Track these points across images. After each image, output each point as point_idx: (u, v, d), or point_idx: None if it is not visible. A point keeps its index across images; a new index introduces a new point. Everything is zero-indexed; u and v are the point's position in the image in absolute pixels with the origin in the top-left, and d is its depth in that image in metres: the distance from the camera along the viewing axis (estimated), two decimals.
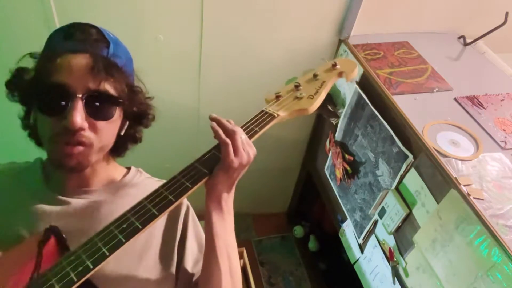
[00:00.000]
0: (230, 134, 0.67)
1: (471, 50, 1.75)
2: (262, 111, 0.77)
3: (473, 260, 1.04)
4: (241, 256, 2.04)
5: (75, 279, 0.53)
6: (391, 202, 1.35)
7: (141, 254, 0.74)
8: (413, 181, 1.26)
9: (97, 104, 0.66)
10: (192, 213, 0.84)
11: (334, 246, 2.24)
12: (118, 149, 0.79)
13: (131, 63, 0.76)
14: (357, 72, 0.88)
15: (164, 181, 0.83)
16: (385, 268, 1.43)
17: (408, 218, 1.28)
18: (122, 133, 0.76)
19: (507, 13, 1.55)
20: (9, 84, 0.71)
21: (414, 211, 1.26)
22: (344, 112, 1.64)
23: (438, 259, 1.16)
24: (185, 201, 0.81)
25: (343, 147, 1.67)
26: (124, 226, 0.58)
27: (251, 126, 0.73)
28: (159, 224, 0.78)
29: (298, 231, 2.51)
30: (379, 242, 1.47)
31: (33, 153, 0.79)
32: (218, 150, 0.69)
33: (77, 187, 0.75)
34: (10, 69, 0.70)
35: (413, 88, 1.45)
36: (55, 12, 1.34)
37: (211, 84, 1.73)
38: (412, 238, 1.26)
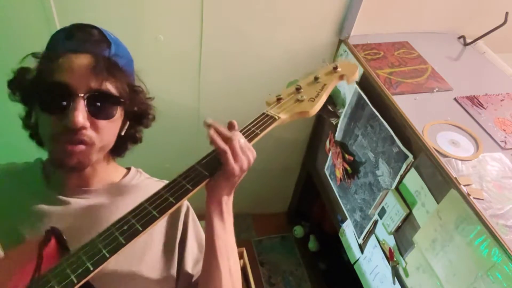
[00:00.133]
0: (227, 140, 0.66)
1: (471, 50, 1.75)
2: (263, 113, 0.77)
3: (473, 260, 1.04)
4: (241, 256, 2.04)
5: (76, 281, 0.53)
6: (391, 202, 1.35)
7: (141, 255, 0.74)
8: (413, 181, 1.26)
9: (99, 103, 0.66)
10: (192, 214, 0.84)
11: (334, 246, 2.25)
12: (118, 149, 0.80)
13: (132, 64, 0.77)
14: (358, 75, 0.89)
15: (164, 181, 0.84)
16: (385, 268, 1.43)
17: (408, 218, 1.28)
18: (123, 133, 0.76)
19: (507, 13, 1.55)
20: (11, 84, 0.71)
21: (414, 211, 1.26)
22: (344, 112, 1.64)
23: (438, 259, 1.16)
24: (185, 202, 0.82)
25: (343, 147, 1.67)
26: (125, 228, 0.58)
27: (252, 129, 0.73)
28: (159, 225, 0.78)
29: (298, 231, 2.51)
30: (379, 242, 1.47)
31: (33, 153, 0.80)
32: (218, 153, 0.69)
33: (77, 187, 0.75)
34: (12, 69, 0.71)
35: (413, 88, 1.45)
36: (55, 12, 1.34)
37: (211, 84, 1.73)
38: (412, 238, 1.26)
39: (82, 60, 0.65)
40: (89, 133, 0.66)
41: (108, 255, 0.55)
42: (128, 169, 0.86)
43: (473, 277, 1.03)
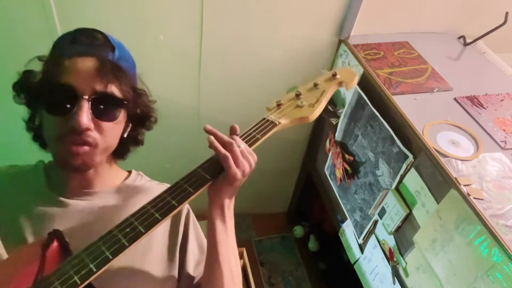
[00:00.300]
0: (228, 146, 0.68)
1: (471, 50, 1.75)
2: (264, 118, 0.79)
3: (473, 260, 1.04)
4: (241, 256, 2.04)
5: (79, 282, 0.53)
6: (391, 202, 1.35)
7: (142, 257, 0.75)
8: (413, 181, 1.26)
9: (103, 105, 0.68)
10: (192, 216, 0.85)
11: (334, 246, 2.25)
12: (120, 151, 0.81)
13: (134, 67, 0.78)
14: (356, 81, 0.91)
15: (165, 184, 0.85)
16: (385, 268, 1.43)
17: (408, 218, 1.29)
18: (125, 135, 0.78)
19: (507, 13, 1.55)
20: (16, 86, 0.72)
21: (414, 211, 1.26)
22: (344, 112, 1.64)
23: (438, 259, 1.16)
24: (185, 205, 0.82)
25: (343, 147, 1.67)
26: (128, 230, 0.59)
27: (253, 133, 0.75)
28: (160, 227, 0.78)
29: (298, 231, 2.51)
30: (379, 242, 1.47)
31: (35, 156, 0.80)
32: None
33: (79, 189, 0.76)
34: (18, 71, 0.72)
35: (413, 88, 1.45)
36: (55, 12, 1.34)
37: (211, 84, 1.73)
38: (412, 238, 1.26)
39: (88, 63, 0.67)
40: (93, 134, 0.67)
41: (111, 257, 0.56)
42: (129, 172, 0.87)
43: (473, 277, 1.03)
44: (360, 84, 1.52)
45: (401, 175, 1.31)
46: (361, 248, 1.61)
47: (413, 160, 1.25)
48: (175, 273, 0.79)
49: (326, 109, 1.71)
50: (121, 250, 0.57)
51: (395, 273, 1.37)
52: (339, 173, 1.73)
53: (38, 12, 1.33)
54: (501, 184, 1.13)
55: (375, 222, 1.48)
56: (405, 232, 1.31)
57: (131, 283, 0.72)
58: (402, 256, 1.33)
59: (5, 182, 0.76)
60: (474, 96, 1.45)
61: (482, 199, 1.07)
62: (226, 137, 0.69)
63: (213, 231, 0.72)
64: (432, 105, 1.39)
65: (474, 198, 1.06)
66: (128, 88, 0.72)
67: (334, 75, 0.89)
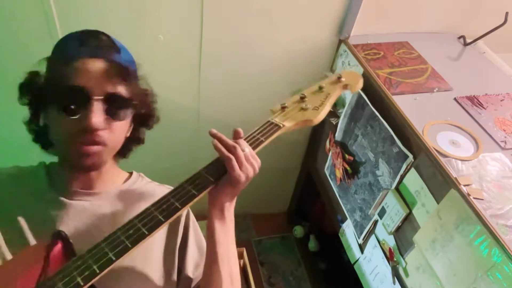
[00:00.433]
0: (231, 149, 0.69)
1: (471, 50, 1.75)
2: (268, 121, 0.80)
3: (473, 260, 1.04)
4: (241, 256, 2.04)
5: (82, 283, 0.54)
6: (391, 202, 1.35)
7: (143, 258, 0.75)
8: (413, 181, 1.26)
9: (113, 106, 0.69)
10: (192, 217, 0.85)
11: (334, 246, 2.24)
12: (123, 150, 0.81)
13: (137, 68, 0.79)
14: (362, 84, 0.91)
15: (165, 185, 0.85)
16: (385, 268, 1.43)
17: (408, 218, 1.29)
18: (128, 134, 0.79)
19: (507, 13, 1.55)
20: (22, 87, 0.73)
21: (414, 211, 1.26)
22: (344, 112, 1.64)
23: (438, 259, 1.16)
24: None
25: (343, 147, 1.67)
26: (131, 232, 0.59)
27: (257, 136, 0.75)
28: None
29: (298, 231, 2.51)
30: (379, 242, 1.47)
31: (36, 156, 0.80)
32: None
33: (81, 190, 0.76)
34: (25, 72, 0.72)
35: (413, 88, 1.45)
36: (55, 12, 1.34)
37: (211, 84, 1.73)
38: (412, 238, 1.26)
39: (98, 65, 0.68)
40: (104, 134, 0.69)
41: (114, 258, 0.56)
42: (130, 173, 0.87)
43: (473, 277, 1.03)
44: None
45: (401, 175, 1.31)
46: (361, 248, 1.61)
47: (413, 160, 1.25)
48: (174, 274, 0.79)
49: None
50: (124, 252, 0.57)
51: (395, 273, 1.37)
52: (339, 173, 1.73)
53: (38, 12, 1.33)
54: (501, 184, 1.13)
55: (375, 222, 1.48)
56: (405, 232, 1.31)
57: (132, 284, 0.72)
58: (402, 256, 1.33)
59: (7, 183, 0.76)
60: (474, 96, 1.45)
61: (482, 199, 1.07)
62: (230, 141, 0.70)
63: (212, 232, 0.73)
64: (432, 105, 1.39)
65: (474, 198, 1.06)
66: (135, 88, 0.73)
67: (339, 78, 0.89)
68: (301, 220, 2.56)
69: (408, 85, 1.47)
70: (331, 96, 0.85)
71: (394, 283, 1.38)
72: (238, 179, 0.68)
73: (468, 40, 1.76)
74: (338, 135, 1.71)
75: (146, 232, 0.59)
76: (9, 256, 0.65)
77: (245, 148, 0.70)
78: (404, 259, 1.32)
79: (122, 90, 0.70)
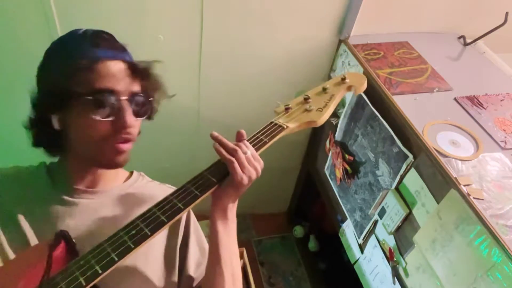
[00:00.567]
0: (232, 152, 0.69)
1: (471, 50, 1.75)
2: (272, 122, 0.80)
3: (473, 260, 1.04)
4: (241, 256, 2.04)
5: (84, 283, 0.54)
6: (391, 202, 1.35)
7: (144, 258, 0.75)
8: (413, 181, 1.26)
9: (138, 103, 0.72)
10: (193, 217, 0.85)
11: (334, 246, 2.24)
12: None
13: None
14: (366, 85, 0.91)
15: (166, 184, 0.85)
16: (385, 268, 1.43)
17: (408, 218, 1.28)
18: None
19: (507, 13, 1.55)
20: (46, 94, 0.71)
21: (414, 211, 1.26)
22: (344, 112, 1.64)
23: (438, 259, 1.16)
24: None
25: (343, 147, 1.67)
26: (133, 232, 0.60)
27: (261, 137, 0.75)
28: None
29: (298, 231, 2.51)
30: (379, 242, 1.47)
31: (36, 157, 0.80)
32: None
33: (83, 189, 0.76)
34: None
35: (413, 88, 1.45)
36: (55, 12, 1.34)
37: (211, 84, 1.73)
38: (412, 238, 1.26)
39: (118, 66, 0.69)
40: (133, 131, 0.71)
41: (116, 259, 0.56)
42: (131, 172, 0.87)
43: (473, 277, 1.03)
44: None
45: (401, 175, 1.31)
46: (361, 248, 1.61)
47: (413, 160, 1.25)
48: (175, 274, 0.79)
49: None
50: (126, 252, 0.57)
51: (395, 273, 1.36)
52: (339, 173, 1.73)
53: (38, 12, 1.33)
54: (501, 184, 1.13)
55: (375, 222, 1.48)
56: (405, 232, 1.31)
57: (134, 284, 0.72)
58: (402, 256, 1.33)
59: (9, 183, 0.76)
60: (474, 96, 1.45)
61: (482, 199, 1.07)
62: (231, 144, 0.70)
63: (215, 233, 0.73)
64: (432, 105, 1.39)
65: (474, 198, 1.06)
66: (150, 85, 0.76)
67: (343, 79, 0.88)
68: (301, 220, 2.56)
69: (408, 85, 1.47)
70: (335, 97, 0.85)
71: (394, 283, 1.38)
72: (240, 182, 0.68)
73: (468, 40, 1.76)
74: (338, 135, 1.71)
75: (149, 233, 0.60)
76: (11, 255, 0.65)
77: (247, 150, 0.70)
78: (404, 259, 1.32)
79: (143, 88, 0.73)
